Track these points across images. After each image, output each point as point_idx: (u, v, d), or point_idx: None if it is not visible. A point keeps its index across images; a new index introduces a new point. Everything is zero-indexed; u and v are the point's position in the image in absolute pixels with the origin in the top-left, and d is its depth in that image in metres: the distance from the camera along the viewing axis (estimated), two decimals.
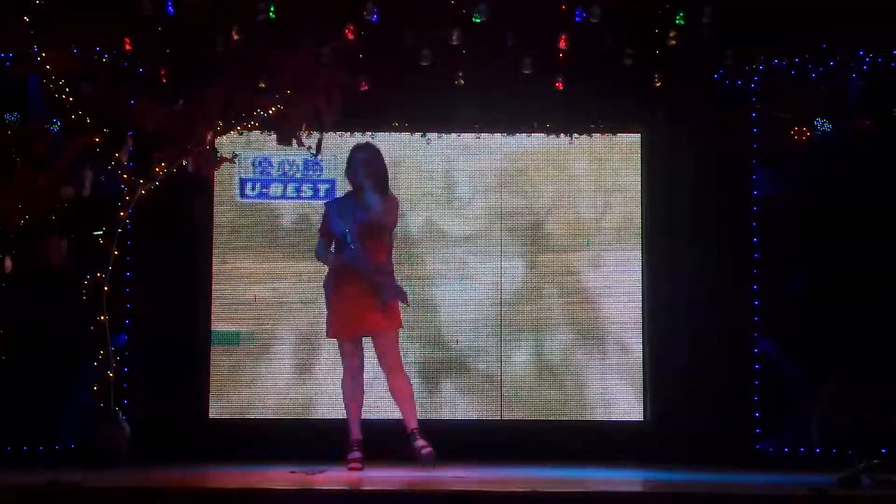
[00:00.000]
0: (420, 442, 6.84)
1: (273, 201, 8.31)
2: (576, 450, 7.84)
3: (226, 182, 8.27)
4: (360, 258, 6.85)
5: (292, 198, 8.31)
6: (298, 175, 8.31)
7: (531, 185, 8.36)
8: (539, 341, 8.27)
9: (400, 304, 7.02)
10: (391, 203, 7.07)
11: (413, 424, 6.92)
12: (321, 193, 8.28)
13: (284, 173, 8.31)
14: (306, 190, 8.29)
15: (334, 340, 7.10)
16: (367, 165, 6.99)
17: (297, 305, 8.23)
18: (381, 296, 6.88)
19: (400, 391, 6.96)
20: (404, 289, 7.06)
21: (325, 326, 7.12)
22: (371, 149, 7.12)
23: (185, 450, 7.72)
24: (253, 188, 8.32)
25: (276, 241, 8.29)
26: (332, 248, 7.07)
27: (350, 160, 7.07)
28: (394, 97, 8.07)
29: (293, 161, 8.27)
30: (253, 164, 8.29)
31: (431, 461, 6.74)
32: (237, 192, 8.31)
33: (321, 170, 8.29)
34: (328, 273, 7.08)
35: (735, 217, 8.12)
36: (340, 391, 7.11)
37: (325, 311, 7.10)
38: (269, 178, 8.32)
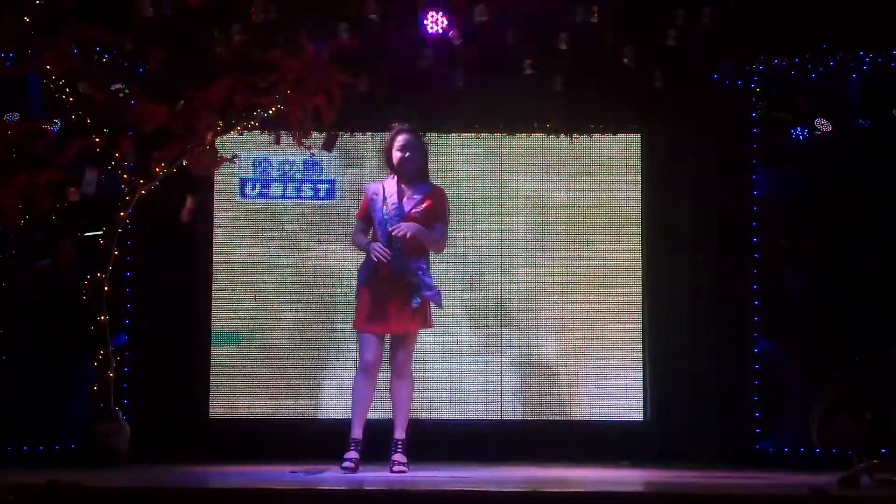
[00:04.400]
0: (399, 457, 6.65)
1: (273, 201, 8.31)
2: (576, 450, 7.84)
3: (226, 182, 8.27)
4: (398, 256, 6.59)
5: (292, 198, 8.30)
6: (299, 175, 8.31)
7: (531, 185, 8.36)
8: (539, 341, 8.27)
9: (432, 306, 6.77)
10: (442, 195, 6.79)
11: (400, 435, 6.70)
12: (321, 193, 8.29)
13: (284, 173, 8.32)
14: (306, 190, 8.29)
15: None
16: (414, 149, 6.72)
17: (298, 305, 8.23)
18: (416, 296, 6.61)
19: (401, 396, 6.72)
20: (440, 290, 6.73)
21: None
22: (413, 129, 6.82)
23: (185, 450, 7.71)
24: (253, 188, 8.32)
25: (276, 240, 8.29)
26: (369, 237, 6.74)
27: (394, 141, 6.73)
28: (394, 97, 8.07)
29: (293, 161, 8.26)
30: (253, 164, 8.30)
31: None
32: (237, 191, 8.31)
33: (321, 170, 8.29)
34: (364, 262, 6.75)
35: (735, 217, 8.12)
36: (351, 386, 6.77)
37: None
38: (269, 178, 8.32)
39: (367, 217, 6.76)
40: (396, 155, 6.73)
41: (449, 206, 6.84)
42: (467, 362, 8.24)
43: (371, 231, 6.76)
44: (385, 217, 6.65)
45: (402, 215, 6.64)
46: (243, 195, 8.31)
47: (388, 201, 6.68)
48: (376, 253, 6.58)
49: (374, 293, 6.66)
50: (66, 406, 7.87)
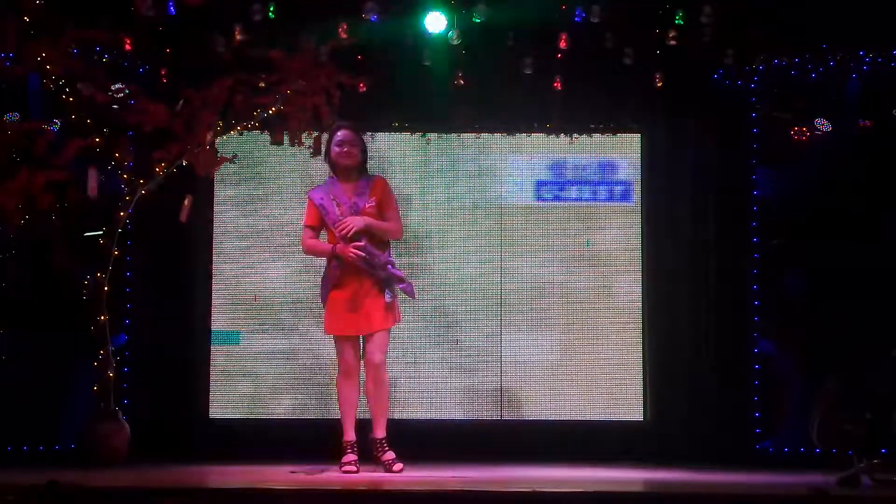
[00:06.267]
0: (391, 454, 6.68)
1: (565, 203, 8.32)
2: (576, 450, 7.84)
3: (226, 182, 8.27)
4: (367, 251, 6.67)
5: (588, 200, 8.29)
6: (595, 178, 8.31)
7: (531, 185, 8.35)
8: (539, 341, 8.26)
9: (400, 299, 6.87)
10: (384, 184, 6.90)
11: (382, 433, 6.73)
12: (616, 196, 8.29)
13: (578, 175, 8.31)
14: (601, 192, 8.28)
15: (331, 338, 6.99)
16: (352, 145, 6.82)
17: (297, 305, 8.22)
18: (389, 291, 6.71)
19: (381, 395, 6.75)
20: (411, 281, 6.87)
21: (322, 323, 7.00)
22: (352, 125, 6.91)
23: (185, 450, 7.72)
24: (549, 190, 8.29)
25: (276, 240, 8.29)
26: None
27: (332, 137, 6.85)
28: (394, 97, 8.08)
29: (586, 164, 8.25)
30: (548, 167, 8.30)
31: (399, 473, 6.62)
32: (532, 194, 8.30)
33: (616, 171, 8.30)
34: (329, 268, 6.82)
35: (735, 217, 8.12)
36: (336, 391, 6.89)
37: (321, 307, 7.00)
38: (563, 180, 8.28)
39: (319, 223, 6.81)
40: (334, 150, 6.83)
41: (392, 190, 6.93)
42: (467, 362, 8.24)
43: (322, 236, 6.84)
44: (340, 219, 6.69)
45: (357, 213, 6.72)
46: (539, 198, 8.29)
47: (336, 202, 6.73)
48: (353, 253, 6.61)
49: (344, 296, 6.71)
50: (66, 406, 7.87)
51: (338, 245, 6.71)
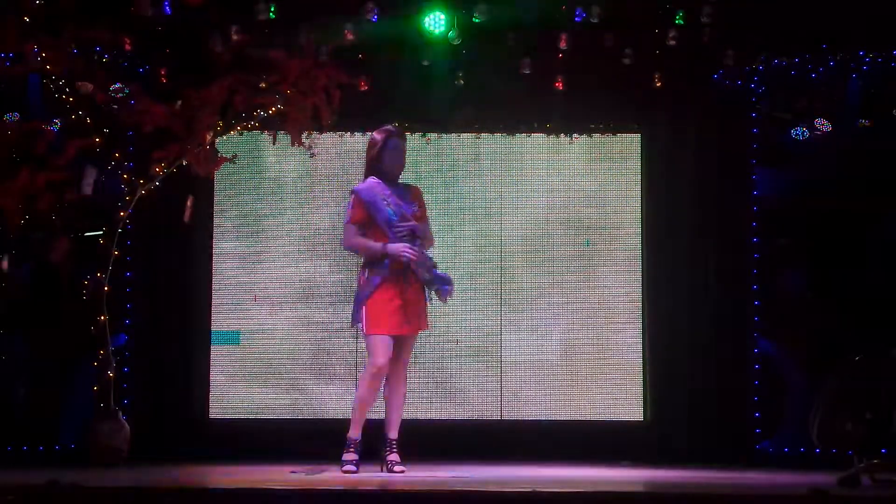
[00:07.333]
0: (396, 457, 6.65)
1: (565, 203, 8.37)
2: (576, 450, 7.84)
3: (226, 182, 8.27)
4: (420, 252, 6.58)
5: (588, 200, 8.33)
6: (594, 178, 8.34)
7: (531, 185, 8.36)
8: (539, 341, 8.27)
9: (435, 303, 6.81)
10: (420, 193, 6.85)
11: (395, 434, 6.70)
12: (616, 196, 8.34)
13: (578, 175, 8.37)
14: (601, 192, 8.33)
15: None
16: (404, 152, 6.74)
17: (298, 305, 8.23)
18: (430, 292, 6.63)
19: (400, 396, 6.70)
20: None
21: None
22: (402, 132, 6.82)
23: (185, 450, 7.72)
24: (549, 190, 8.33)
25: (276, 240, 8.29)
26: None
27: (386, 144, 6.68)
28: (394, 97, 8.08)
29: (586, 164, 8.31)
30: (548, 167, 8.34)
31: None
32: (532, 194, 8.32)
33: (616, 171, 8.31)
34: (375, 267, 6.60)
35: (735, 217, 8.12)
36: (357, 387, 6.75)
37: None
38: (563, 179, 8.36)
39: (366, 221, 6.70)
40: (389, 159, 6.69)
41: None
42: (467, 362, 8.24)
43: (369, 234, 6.75)
44: (394, 218, 6.62)
45: (407, 215, 6.65)
46: (539, 198, 8.34)
47: (388, 202, 6.67)
48: (408, 253, 6.54)
49: (390, 295, 6.60)
50: (66, 406, 7.88)
51: (389, 245, 6.62)
